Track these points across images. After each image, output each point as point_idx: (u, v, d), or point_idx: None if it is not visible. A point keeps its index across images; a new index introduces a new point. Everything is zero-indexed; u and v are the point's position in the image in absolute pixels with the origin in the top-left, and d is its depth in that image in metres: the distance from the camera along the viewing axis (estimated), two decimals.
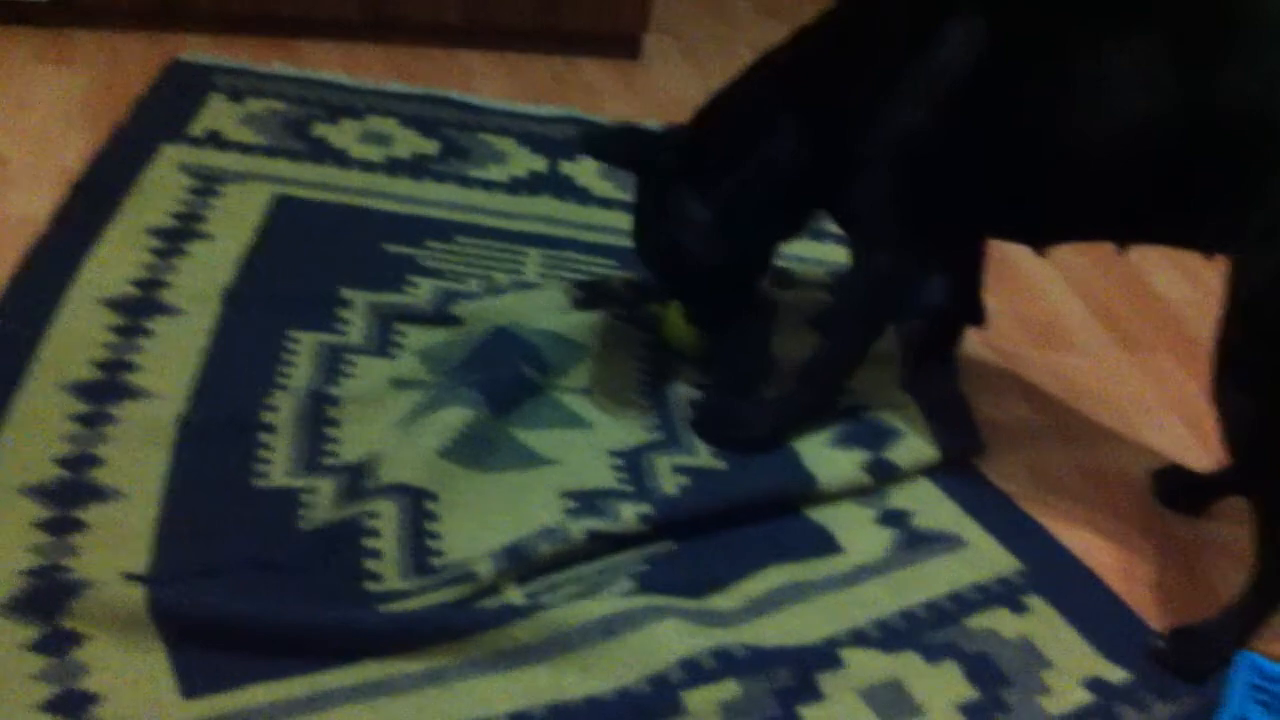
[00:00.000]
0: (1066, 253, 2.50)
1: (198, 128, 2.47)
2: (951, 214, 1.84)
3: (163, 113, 2.49)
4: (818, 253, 2.39)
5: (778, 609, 1.65)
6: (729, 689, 1.50)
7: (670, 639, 1.53)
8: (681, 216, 1.88)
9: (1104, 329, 2.36)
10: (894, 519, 1.83)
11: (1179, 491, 1.95)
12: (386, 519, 1.66)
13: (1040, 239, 1.86)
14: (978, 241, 2.08)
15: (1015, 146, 1.71)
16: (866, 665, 1.58)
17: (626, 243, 2.34)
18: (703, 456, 1.88)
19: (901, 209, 1.79)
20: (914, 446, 1.92)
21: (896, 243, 1.81)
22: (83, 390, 1.79)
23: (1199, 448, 2.07)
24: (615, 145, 1.96)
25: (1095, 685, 1.61)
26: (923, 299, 2.24)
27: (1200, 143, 1.59)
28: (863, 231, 1.85)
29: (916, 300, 2.23)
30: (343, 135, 2.54)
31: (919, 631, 1.65)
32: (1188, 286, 2.50)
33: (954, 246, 2.07)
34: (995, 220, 1.87)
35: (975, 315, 2.15)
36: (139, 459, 1.69)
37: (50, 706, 1.35)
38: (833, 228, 2.44)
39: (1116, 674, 1.63)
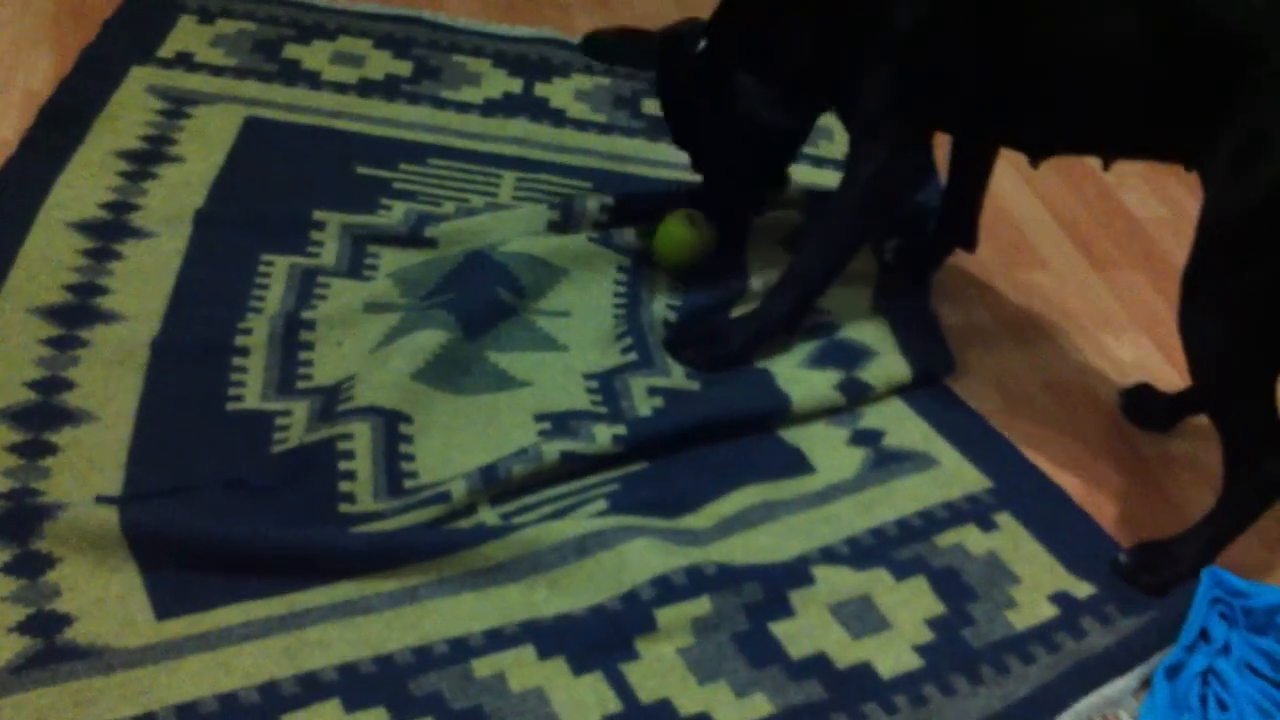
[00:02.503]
0: (1036, 170, 2.50)
1: (167, 49, 2.44)
2: (950, 118, 1.86)
3: (131, 34, 2.46)
4: (793, 172, 2.39)
5: (749, 528, 1.67)
6: (700, 605, 1.52)
7: (642, 557, 1.55)
8: (739, 89, 1.91)
9: (1073, 246, 2.37)
10: (866, 438, 1.85)
11: (1147, 409, 1.97)
12: (360, 441, 1.66)
13: (1032, 148, 1.87)
14: (984, 163, 2.08)
15: (1006, 53, 1.72)
16: (836, 581, 1.60)
17: (602, 164, 2.35)
18: (677, 377, 1.89)
19: (901, 110, 1.80)
20: (886, 366, 1.94)
21: (888, 144, 1.82)
22: (53, 314, 1.78)
23: (1167, 365, 2.08)
24: (625, 49, 2.04)
25: (1061, 599, 1.64)
26: (904, 218, 2.25)
27: (1179, 57, 1.59)
28: (862, 128, 1.86)
29: (898, 219, 2.24)
30: (315, 56, 2.51)
31: (888, 548, 1.67)
32: (1158, 204, 2.50)
33: (956, 156, 2.08)
34: (989, 126, 1.88)
35: (968, 239, 2.15)
36: (111, 382, 1.69)
37: (23, 628, 1.37)
38: (807, 149, 2.45)
39: (1082, 588, 1.66)
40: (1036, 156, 1.89)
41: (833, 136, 2.51)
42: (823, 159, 2.46)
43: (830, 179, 2.25)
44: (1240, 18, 1.53)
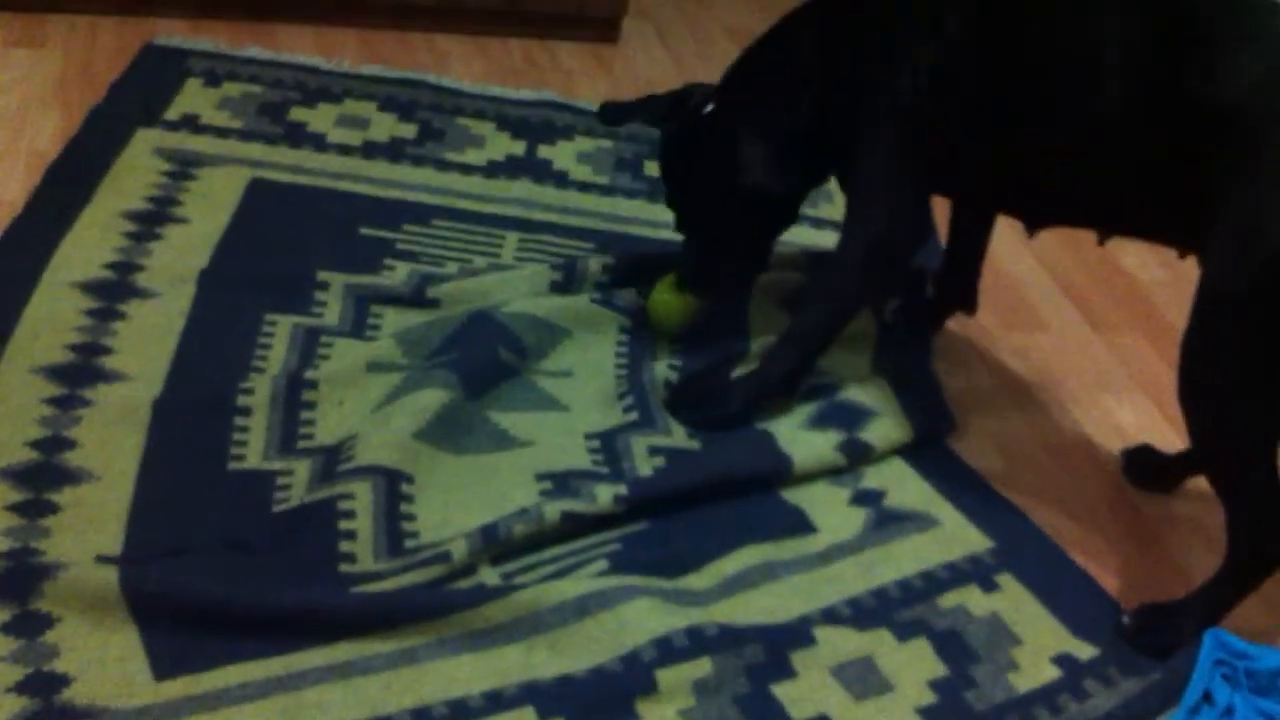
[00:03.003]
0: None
1: (173, 112, 2.47)
2: (949, 184, 1.88)
3: (137, 96, 2.49)
4: (793, 235, 2.40)
5: (751, 588, 1.66)
6: (701, 667, 1.51)
7: (643, 618, 1.55)
8: (739, 153, 1.91)
9: (1073, 308, 2.38)
10: (867, 498, 1.84)
11: (1148, 470, 1.97)
12: (361, 500, 1.66)
13: (1028, 216, 1.88)
14: (983, 226, 2.10)
15: (1002, 125, 1.73)
16: (838, 643, 1.59)
17: (604, 225, 2.36)
18: (678, 437, 1.89)
19: (900, 176, 1.81)
20: (887, 426, 1.94)
21: (887, 209, 1.83)
22: (56, 373, 1.79)
23: (1167, 427, 2.08)
24: (638, 108, 2.05)
25: (1064, 661, 1.63)
26: (904, 280, 2.26)
27: (1169, 138, 1.60)
28: (861, 195, 1.87)
29: (900, 282, 2.25)
30: (320, 119, 2.54)
31: (890, 609, 1.66)
32: (1157, 267, 2.51)
33: (955, 218, 2.09)
34: (987, 193, 1.90)
35: (968, 301, 2.16)
36: (113, 441, 1.69)
37: (21, 688, 1.36)
38: (808, 210, 2.47)
39: (1084, 650, 1.65)
40: (1033, 225, 1.90)
41: (833, 199, 2.53)
42: (823, 220, 2.47)
43: (830, 240, 2.27)
44: (1234, 95, 1.54)
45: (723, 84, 1.98)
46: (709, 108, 1.96)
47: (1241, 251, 1.52)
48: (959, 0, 1.73)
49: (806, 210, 2.46)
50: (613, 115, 2.09)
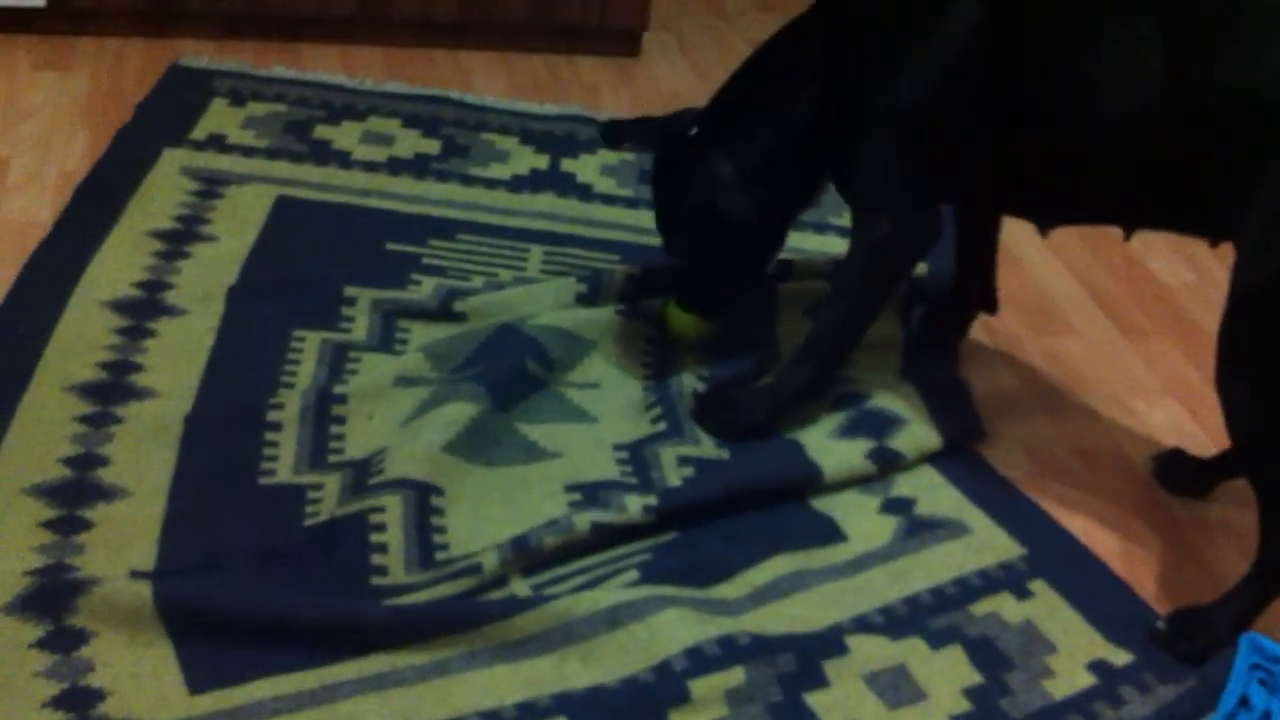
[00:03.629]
0: (1064, 237, 2.50)
1: (200, 131, 2.49)
2: (952, 187, 1.87)
3: (164, 116, 2.51)
4: (818, 244, 2.40)
5: (782, 597, 1.66)
6: (734, 676, 1.51)
7: (675, 628, 1.54)
8: (709, 175, 1.89)
9: (1101, 313, 2.37)
10: (897, 506, 1.84)
11: (1180, 475, 1.95)
12: (391, 513, 1.67)
13: (1042, 217, 1.87)
14: (990, 226, 2.09)
15: (1013, 124, 1.72)
16: (871, 651, 1.58)
17: (628, 238, 2.37)
18: (706, 447, 1.89)
19: (901, 178, 1.80)
20: (916, 433, 1.93)
21: (895, 212, 1.82)
22: (87, 391, 1.80)
23: (1198, 431, 2.07)
24: (633, 129, 2.03)
25: (1098, 668, 1.62)
26: (929, 286, 2.25)
27: (1198, 128, 1.60)
28: (862, 199, 1.86)
29: (923, 287, 2.25)
30: (345, 136, 2.55)
31: (923, 617, 1.66)
32: (1185, 270, 2.50)
33: (963, 222, 2.08)
34: (997, 196, 1.88)
35: (988, 302, 2.15)
36: (144, 458, 1.70)
37: (57, 703, 1.37)
38: (834, 219, 2.47)
39: (1120, 656, 1.64)
40: (1046, 225, 1.89)
41: None
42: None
43: None
44: (1263, 80, 1.54)
45: (708, 106, 1.96)
46: (693, 130, 1.93)
47: (1274, 238, 1.52)
48: (963, 10, 1.71)
49: (833, 219, 2.47)
50: (611, 136, 2.08)
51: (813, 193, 1.98)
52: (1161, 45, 1.61)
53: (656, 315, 2.12)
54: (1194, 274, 2.49)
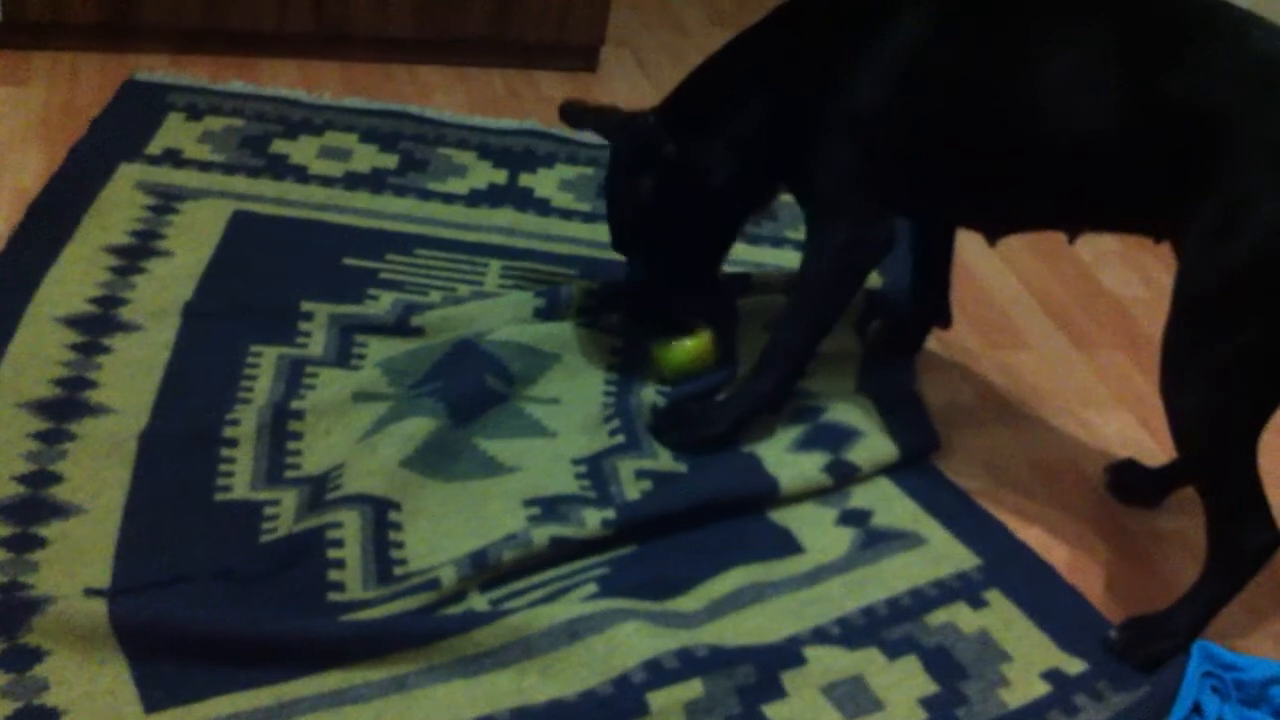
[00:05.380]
0: (1016, 251, 2.53)
1: (155, 146, 2.47)
2: (905, 196, 1.88)
3: (120, 132, 2.49)
4: (775, 258, 2.42)
5: (740, 609, 1.67)
6: (692, 688, 1.51)
7: (633, 641, 1.55)
8: (657, 151, 1.91)
9: (1055, 326, 2.39)
10: (854, 518, 1.85)
11: (1132, 485, 1.98)
12: (349, 529, 1.66)
13: (991, 226, 1.90)
14: (944, 239, 2.11)
15: (964, 130, 1.75)
16: (828, 662, 1.59)
17: (587, 252, 2.37)
18: (664, 460, 1.90)
19: (857, 187, 1.82)
20: (873, 446, 1.94)
21: (850, 216, 1.84)
22: (42, 408, 1.78)
23: (1150, 442, 2.10)
24: (593, 116, 2.06)
25: (1053, 677, 1.63)
26: (885, 299, 2.27)
27: (1144, 138, 1.63)
28: (817, 204, 1.88)
29: (877, 299, 2.26)
30: (301, 151, 2.55)
31: (879, 628, 1.67)
32: (1138, 283, 2.53)
33: (917, 235, 2.10)
34: (948, 205, 1.90)
35: (942, 316, 2.17)
36: (99, 475, 1.69)
37: None
38: (790, 234, 2.48)
39: (1074, 665, 1.65)
40: (995, 234, 1.92)
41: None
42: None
43: None
44: (1208, 89, 1.57)
45: (664, 101, 1.98)
46: (651, 119, 1.95)
47: (1218, 247, 1.55)
48: (919, 3, 1.75)
49: (789, 234, 2.49)
50: (572, 116, 2.10)
51: (765, 197, 2.00)
52: (1109, 56, 1.64)
53: (623, 324, 2.12)
54: (1145, 287, 2.52)
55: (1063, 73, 1.67)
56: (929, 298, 2.16)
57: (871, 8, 1.80)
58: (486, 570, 1.63)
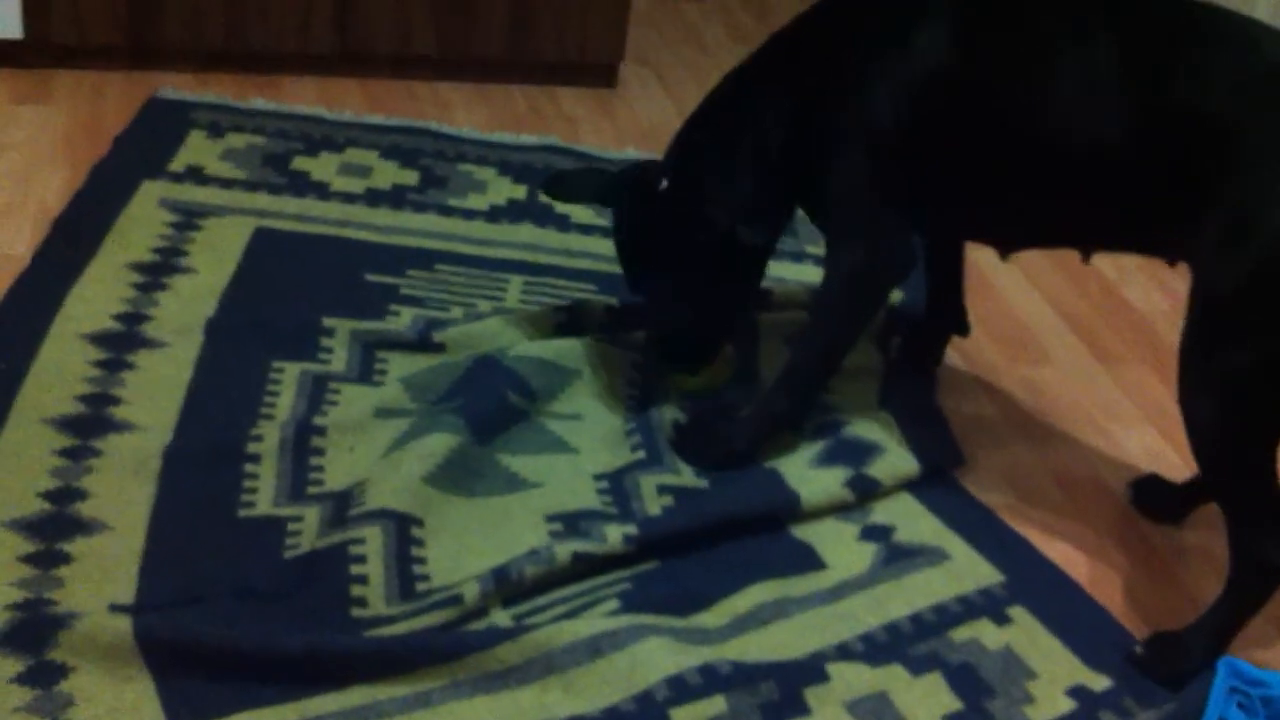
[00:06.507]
0: (1039, 266, 2.53)
1: (178, 163, 2.49)
2: (920, 214, 1.87)
3: (142, 149, 2.51)
4: (797, 273, 2.42)
5: (762, 625, 1.66)
6: (715, 705, 1.51)
7: (656, 657, 1.54)
8: (707, 215, 1.87)
9: (1077, 340, 2.39)
10: (876, 534, 1.84)
11: (1156, 500, 1.97)
12: (372, 545, 1.66)
13: (1003, 242, 1.89)
14: (956, 251, 2.11)
15: (978, 143, 1.75)
16: (852, 679, 1.59)
17: (607, 268, 2.37)
18: (686, 476, 1.90)
19: (873, 206, 1.82)
20: (894, 461, 1.94)
21: (869, 240, 1.83)
22: (66, 424, 1.79)
23: (1174, 456, 2.09)
24: (579, 186, 2.02)
25: (1078, 693, 1.63)
26: (906, 315, 2.27)
27: (1154, 149, 1.63)
28: (836, 229, 1.87)
29: (897, 315, 2.26)
30: (323, 168, 2.56)
31: (903, 644, 1.66)
32: (1160, 298, 2.53)
33: (929, 248, 2.09)
34: (961, 221, 1.90)
35: (960, 325, 2.17)
36: (123, 491, 1.70)
37: None
38: (811, 248, 2.48)
39: (1099, 681, 1.65)
40: (1007, 250, 1.92)
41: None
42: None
43: None
44: (1214, 100, 1.57)
45: (674, 155, 1.94)
46: (664, 183, 1.91)
47: (1230, 256, 1.54)
48: (931, 19, 1.74)
49: (810, 249, 2.48)
50: (556, 192, 2.04)
51: (785, 225, 1.98)
52: (1118, 69, 1.64)
53: (645, 340, 2.12)
54: (1168, 301, 2.51)
55: (1076, 84, 1.67)
56: (944, 308, 2.16)
57: (884, 25, 1.80)
58: (509, 586, 1.63)
